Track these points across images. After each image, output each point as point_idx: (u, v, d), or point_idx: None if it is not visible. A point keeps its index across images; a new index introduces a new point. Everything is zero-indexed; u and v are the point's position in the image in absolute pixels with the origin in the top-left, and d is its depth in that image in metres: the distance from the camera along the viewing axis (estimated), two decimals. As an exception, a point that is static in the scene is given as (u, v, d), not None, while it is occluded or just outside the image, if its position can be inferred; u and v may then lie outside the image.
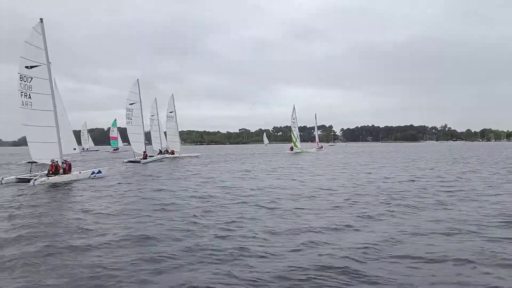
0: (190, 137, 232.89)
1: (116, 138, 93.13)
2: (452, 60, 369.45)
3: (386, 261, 6.62)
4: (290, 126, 64.20)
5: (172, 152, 48.06)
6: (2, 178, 19.91)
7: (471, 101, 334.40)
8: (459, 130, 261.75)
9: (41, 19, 20.66)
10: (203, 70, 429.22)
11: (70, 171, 21.31)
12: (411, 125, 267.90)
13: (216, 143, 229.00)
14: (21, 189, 17.19)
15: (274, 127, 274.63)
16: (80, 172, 22.12)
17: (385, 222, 9.75)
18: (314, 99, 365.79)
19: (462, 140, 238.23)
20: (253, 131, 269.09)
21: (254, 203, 12.79)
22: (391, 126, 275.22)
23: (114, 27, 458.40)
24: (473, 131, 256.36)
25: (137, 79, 41.35)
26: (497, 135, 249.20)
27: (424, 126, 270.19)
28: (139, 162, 37.11)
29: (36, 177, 19.44)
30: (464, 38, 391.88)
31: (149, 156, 42.19)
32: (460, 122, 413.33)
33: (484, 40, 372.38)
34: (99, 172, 23.30)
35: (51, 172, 20.34)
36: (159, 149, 48.38)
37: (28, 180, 19.33)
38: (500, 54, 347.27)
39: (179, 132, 51.47)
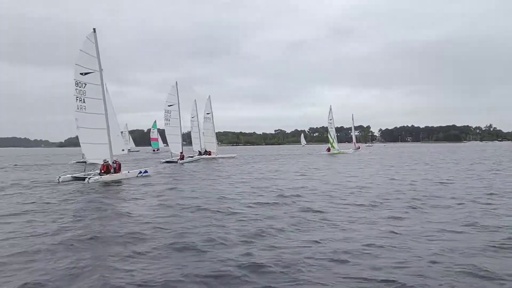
0: (227, 138, 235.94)
1: (156, 139, 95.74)
2: (495, 58, 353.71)
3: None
4: (326, 127, 64.16)
5: (209, 153, 48.94)
6: (60, 177, 21.64)
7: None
8: (505, 130, 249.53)
9: (94, 29, 22.30)
10: (238, 72, 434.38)
11: (120, 171, 22.82)
12: (454, 125, 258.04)
13: (252, 144, 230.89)
14: (77, 187, 18.71)
15: (310, 128, 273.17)
16: (128, 172, 23.61)
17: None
18: (350, 99, 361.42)
19: (508, 140, 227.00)
20: (288, 132, 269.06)
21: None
22: (432, 127, 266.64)
23: (152, 32, 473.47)
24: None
25: (176, 82, 42.46)
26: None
27: (468, 126, 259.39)
28: (176, 163, 38.26)
29: (90, 176, 20.99)
30: (508, 35, 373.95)
31: (189, 156, 43.69)
32: (506, 122, 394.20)
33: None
34: (146, 172, 24.77)
35: (103, 171, 21.89)
36: (199, 150, 49.55)
37: (83, 179, 20.92)
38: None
39: (216, 133, 52.51)
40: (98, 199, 14.57)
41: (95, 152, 22.70)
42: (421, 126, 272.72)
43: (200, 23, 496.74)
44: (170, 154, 41.79)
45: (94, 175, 21.49)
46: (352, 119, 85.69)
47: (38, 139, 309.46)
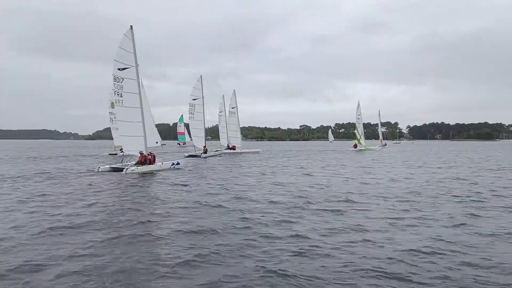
0: (251, 133, 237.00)
1: (183, 133, 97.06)
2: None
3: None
4: (352, 123, 64.02)
5: (234, 148, 49.21)
6: (99, 167, 22.93)
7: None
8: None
9: (131, 26, 23.38)
10: (263, 66, 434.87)
11: (155, 162, 23.93)
12: (486, 122, 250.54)
13: (277, 139, 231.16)
14: (116, 176, 19.85)
15: (336, 123, 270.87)
16: (162, 163, 24.69)
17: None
18: (378, 94, 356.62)
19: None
20: (314, 128, 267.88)
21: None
22: (463, 124, 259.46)
23: (178, 27, 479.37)
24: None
25: (201, 76, 42.70)
26: None
27: (501, 123, 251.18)
28: (199, 157, 38.61)
29: (128, 167, 22.15)
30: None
31: (216, 150, 44.64)
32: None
33: None
34: (178, 163, 25.84)
35: (139, 162, 23.04)
36: (227, 144, 49.82)
37: (121, 169, 22.10)
38: None
39: (240, 128, 52.76)
40: (133, 184, 15.57)
41: (132, 144, 23.84)
42: (451, 123, 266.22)
43: (224, 18, 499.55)
44: (194, 148, 42.31)
45: (131, 166, 22.62)
46: (379, 115, 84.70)
47: (68, 131, 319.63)
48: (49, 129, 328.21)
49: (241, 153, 48.63)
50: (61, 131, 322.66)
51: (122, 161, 25.01)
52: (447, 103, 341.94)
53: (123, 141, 24.01)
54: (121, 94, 23.15)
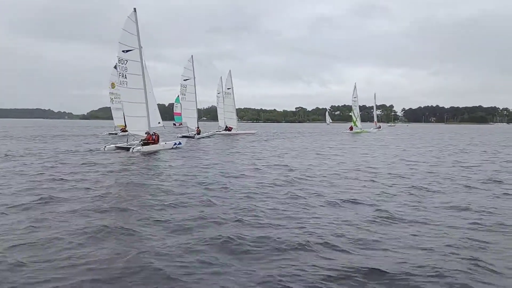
0: (247, 115, 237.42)
1: (180, 114, 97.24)
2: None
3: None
4: (348, 106, 64.87)
5: (229, 129, 48.90)
6: (105, 146, 23.94)
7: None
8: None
9: (134, 9, 24.05)
10: (260, 48, 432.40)
11: (158, 142, 24.94)
12: (480, 106, 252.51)
13: (272, 121, 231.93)
14: (124, 155, 20.88)
15: (332, 106, 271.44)
16: (165, 143, 25.69)
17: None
18: (374, 77, 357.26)
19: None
20: (309, 110, 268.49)
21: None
22: (457, 107, 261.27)
23: (175, 8, 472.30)
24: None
25: (191, 55, 41.61)
26: None
27: (495, 107, 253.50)
28: (193, 138, 38.16)
29: (134, 146, 23.12)
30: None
31: (215, 131, 45.45)
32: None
33: None
34: (180, 143, 26.89)
35: (147, 140, 24.06)
36: (226, 126, 49.68)
37: (126, 148, 23.11)
38: None
39: (236, 109, 52.21)
40: (140, 161, 16.66)
41: (136, 124, 24.80)
42: (446, 107, 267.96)
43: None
44: (186, 129, 42.05)
45: (137, 145, 23.60)
46: (374, 97, 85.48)
47: (62, 111, 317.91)
48: (43, 108, 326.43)
49: (236, 134, 48.53)
50: (55, 111, 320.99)
51: (127, 140, 25.96)
52: (442, 86, 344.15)
53: (128, 121, 24.93)
54: (125, 75, 23.94)
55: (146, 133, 24.63)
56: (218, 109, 51.83)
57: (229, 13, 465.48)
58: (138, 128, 24.85)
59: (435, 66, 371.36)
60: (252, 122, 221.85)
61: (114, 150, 23.78)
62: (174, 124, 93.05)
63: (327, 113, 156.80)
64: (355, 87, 62.89)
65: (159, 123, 26.50)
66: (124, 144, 24.62)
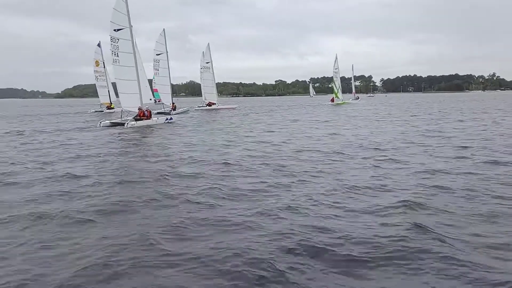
0: (226, 89, 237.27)
1: (157, 90, 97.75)
2: (501, 5, 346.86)
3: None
4: (327, 77, 66.79)
5: (210, 104, 48.17)
6: (100, 123, 25.36)
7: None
8: (508, 79, 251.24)
9: (125, -12, 25.05)
10: (235, 21, 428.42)
11: (151, 117, 26.49)
12: (456, 74, 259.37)
13: (252, 95, 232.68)
14: (119, 130, 22.40)
15: (311, 78, 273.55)
16: (158, 118, 27.29)
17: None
18: (351, 48, 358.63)
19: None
20: (289, 83, 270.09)
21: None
22: (434, 76, 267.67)
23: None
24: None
25: (163, 29, 40.51)
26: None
27: (471, 75, 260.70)
28: (169, 114, 36.29)
29: (128, 121, 24.61)
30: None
31: (200, 106, 46.60)
32: (510, 71, 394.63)
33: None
34: (171, 119, 28.52)
35: (140, 116, 25.56)
36: (206, 101, 49.15)
37: (121, 124, 24.60)
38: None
39: (216, 84, 51.05)
40: (135, 138, 18.39)
41: (129, 100, 26.21)
42: (423, 76, 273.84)
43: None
44: (162, 106, 40.93)
45: (131, 120, 25.09)
46: (352, 69, 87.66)
47: (35, 90, 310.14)
48: (15, 87, 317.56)
49: (217, 109, 47.52)
50: (28, 90, 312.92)
51: (121, 116, 27.35)
52: (420, 56, 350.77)
53: (121, 98, 26.28)
54: (117, 54, 25.18)
55: (139, 108, 26.11)
56: (202, 84, 50.78)
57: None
58: (131, 104, 26.26)
59: (411, 36, 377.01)
60: (232, 96, 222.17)
61: (109, 125, 25.25)
62: (155, 101, 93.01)
63: (310, 86, 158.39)
64: (336, 58, 63.06)
65: (150, 99, 28.01)
66: (118, 120, 26.08)
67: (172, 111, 38.65)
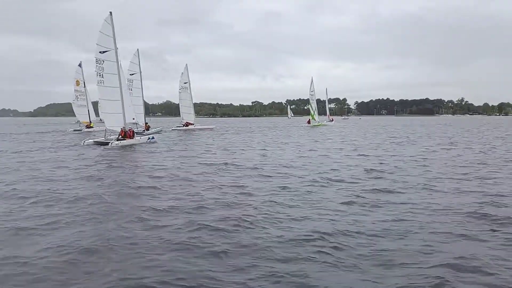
0: (203, 109, 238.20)
1: None
2: (468, 33, 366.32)
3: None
4: (303, 99, 68.09)
5: (187, 124, 48.24)
6: (84, 141, 25.87)
7: (488, 75, 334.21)
8: (476, 104, 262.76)
9: (110, 12, 26.08)
10: (213, 41, 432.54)
11: (134, 136, 27.13)
12: (427, 99, 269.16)
13: (229, 115, 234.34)
14: (103, 149, 22.93)
15: (288, 99, 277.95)
16: (140, 138, 27.99)
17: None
18: (326, 71, 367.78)
19: (480, 114, 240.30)
20: (266, 104, 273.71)
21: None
22: (406, 100, 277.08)
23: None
24: (490, 105, 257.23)
25: (137, 49, 40.61)
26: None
27: (441, 99, 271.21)
28: (143, 134, 36.10)
29: (112, 141, 25.14)
30: (479, 10, 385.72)
31: (176, 127, 47.13)
32: (478, 96, 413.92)
33: (501, 14, 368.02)
34: (153, 138, 29.20)
35: (121, 136, 26.16)
36: (183, 121, 49.46)
37: (105, 143, 25.11)
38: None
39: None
40: (121, 155, 19.10)
41: (113, 120, 26.86)
42: (395, 100, 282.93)
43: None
44: (135, 126, 38.33)
45: (115, 140, 25.66)
46: (326, 93, 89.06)
47: (6, 108, 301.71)
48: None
49: (194, 130, 47.65)
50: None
51: (105, 136, 27.84)
52: (392, 80, 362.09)
53: (105, 118, 26.89)
54: (102, 75, 25.95)
55: (121, 128, 26.70)
56: (180, 104, 50.76)
57: (177, 6, 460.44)
58: (116, 124, 26.89)
59: (383, 61, 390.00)
60: (209, 117, 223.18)
61: (92, 144, 25.75)
62: (133, 119, 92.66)
63: (288, 108, 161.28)
64: (312, 81, 64.75)
65: (133, 119, 28.70)
66: (102, 139, 26.61)
67: (145, 131, 38.65)
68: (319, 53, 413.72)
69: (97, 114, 46.81)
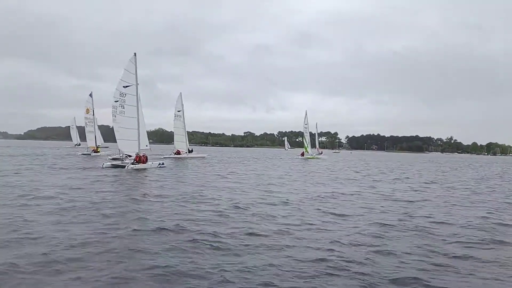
0: (195, 138, 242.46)
1: None
2: (456, 72, 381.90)
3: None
4: (295, 132, 71.44)
5: (178, 152, 49.25)
6: (103, 164, 29.65)
7: (477, 114, 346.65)
8: (464, 143, 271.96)
9: (135, 54, 30.65)
10: (205, 72, 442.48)
11: (147, 161, 30.98)
12: (417, 136, 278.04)
13: (221, 145, 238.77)
14: (120, 172, 26.69)
15: (279, 131, 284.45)
16: (152, 163, 31.77)
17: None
18: (318, 105, 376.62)
19: (468, 153, 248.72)
20: (257, 135, 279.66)
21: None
22: (397, 136, 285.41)
23: (115, 27, 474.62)
24: (479, 145, 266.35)
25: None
26: (504, 150, 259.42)
27: (430, 137, 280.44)
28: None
29: (128, 165, 28.97)
30: (466, 50, 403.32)
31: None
32: (466, 135, 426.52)
33: (487, 53, 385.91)
34: (163, 164, 33.02)
35: (136, 161, 30.02)
36: (189, 149, 51.94)
37: (122, 166, 28.92)
38: (503, 66, 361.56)
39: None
40: (134, 178, 23.01)
41: (128, 146, 30.80)
42: (386, 135, 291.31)
43: (164, 21, 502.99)
44: (118, 151, 35.93)
45: (130, 164, 29.46)
46: (316, 127, 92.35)
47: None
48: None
49: (185, 158, 48.67)
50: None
51: (122, 160, 31.60)
52: (383, 116, 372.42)
53: (121, 143, 30.77)
54: (124, 106, 30.10)
55: (136, 154, 30.61)
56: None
57: (171, 36, 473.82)
58: (131, 150, 30.84)
59: (373, 96, 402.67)
60: (201, 145, 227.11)
61: (110, 167, 29.51)
62: None
63: (285, 139, 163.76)
64: (306, 114, 67.11)
65: (146, 145, 32.64)
66: (118, 163, 30.41)
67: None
68: (310, 87, 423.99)
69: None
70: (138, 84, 30.86)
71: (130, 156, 31.54)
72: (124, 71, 30.16)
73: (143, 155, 31.03)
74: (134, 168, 28.96)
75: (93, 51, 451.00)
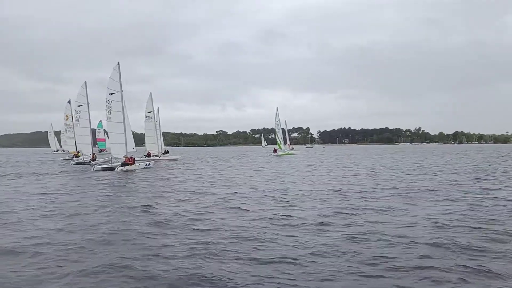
0: (166, 139, 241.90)
1: (103, 140, 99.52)
2: (421, 66, 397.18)
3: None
4: (267, 129, 72.74)
5: (149, 155, 48.36)
6: (93, 167, 32.13)
7: (443, 106, 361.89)
8: (432, 133, 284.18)
9: (118, 62, 33.14)
10: (174, 72, 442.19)
11: (134, 163, 33.61)
12: (387, 128, 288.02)
13: (193, 145, 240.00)
14: (109, 174, 29.21)
15: (252, 129, 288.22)
16: (139, 164, 34.41)
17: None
18: (288, 101, 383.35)
19: (436, 142, 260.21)
20: (230, 133, 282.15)
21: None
22: (367, 129, 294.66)
23: (80, 28, 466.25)
24: (445, 134, 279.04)
25: (85, 81, 39.10)
26: (469, 138, 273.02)
27: (399, 128, 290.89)
28: (89, 164, 37.23)
29: (117, 167, 31.53)
30: (428, 44, 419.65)
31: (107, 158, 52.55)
32: (434, 125, 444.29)
33: (447, 46, 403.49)
34: (149, 164, 35.70)
35: (124, 163, 32.63)
36: (166, 149, 54.30)
37: (111, 169, 31.49)
38: (464, 60, 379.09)
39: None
40: (125, 179, 25.85)
41: (117, 149, 33.36)
42: (357, 129, 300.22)
43: (132, 22, 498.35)
44: (82, 156, 42.29)
45: (119, 166, 31.98)
46: (286, 124, 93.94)
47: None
48: None
49: (158, 160, 47.04)
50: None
51: (111, 162, 34.06)
52: (353, 110, 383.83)
53: (112, 147, 33.37)
54: (110, 112, 32.65)
55: (124, 156, 33.22)
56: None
57: (138, 37, 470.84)
58: (119, 153, 33.40)
59: (342, 91, 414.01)
60: (172, 146, 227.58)
61: (101, 170, 32.03)
62: (101, 150, 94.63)
63: (262, 137, 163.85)
64: (277, 111, 67.76)
65: (133, 148, 35.24)
66: (108, 165, 32.95)
67: (92, 161, 38.60)
68: (280, 83, 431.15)
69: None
70: (123, 91, 33.44)
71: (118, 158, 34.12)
72: (109, 79, 32.64)
73: (131, 157, 33.66)
74: (124, 170, 31.56)
75: (57, 53, 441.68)
